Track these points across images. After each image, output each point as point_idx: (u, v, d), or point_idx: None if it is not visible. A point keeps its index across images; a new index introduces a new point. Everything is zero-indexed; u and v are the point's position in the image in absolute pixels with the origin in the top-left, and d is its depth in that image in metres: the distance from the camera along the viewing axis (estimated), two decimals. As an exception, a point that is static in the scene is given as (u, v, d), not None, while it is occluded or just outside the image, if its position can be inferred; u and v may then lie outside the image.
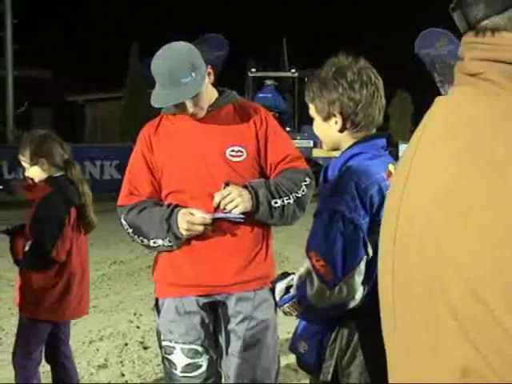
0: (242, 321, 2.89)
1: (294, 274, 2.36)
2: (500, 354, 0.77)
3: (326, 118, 2.27)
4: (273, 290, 2.48)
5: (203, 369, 2.88)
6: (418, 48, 21.23)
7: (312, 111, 2.32)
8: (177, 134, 2.90)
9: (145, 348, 5.37)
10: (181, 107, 2.79)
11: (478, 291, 0.78)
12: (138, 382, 4.78)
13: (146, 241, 2.86)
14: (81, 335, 5.63)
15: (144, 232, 2.85)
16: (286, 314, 2.39)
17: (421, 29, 21.08)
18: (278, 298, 2.41)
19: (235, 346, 2.91)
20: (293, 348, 2.40)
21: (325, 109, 2.25)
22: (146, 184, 2.91)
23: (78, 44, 32.53)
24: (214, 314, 2.92)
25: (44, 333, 3.76)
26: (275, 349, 2.98)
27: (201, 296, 2.87)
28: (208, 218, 2.74)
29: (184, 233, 2.75)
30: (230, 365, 2.92)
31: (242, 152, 2.86)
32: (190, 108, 2.78)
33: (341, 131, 2.26)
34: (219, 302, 2.90)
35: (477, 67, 0.88)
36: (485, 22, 0.87)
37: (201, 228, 2.74)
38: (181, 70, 2.69)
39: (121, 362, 5.15)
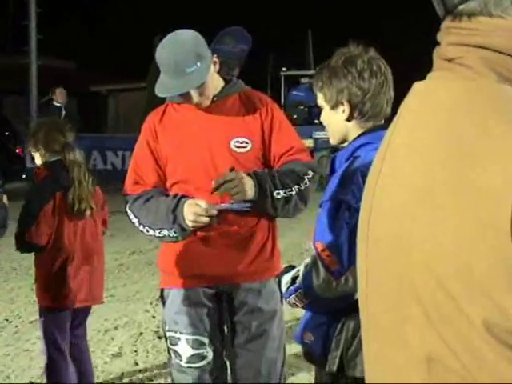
0: (248, 312, 2.88)
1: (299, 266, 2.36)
2: (464, 343, 0.77)
3: (334, 107, 2.27)
4: (279, 283, 2.47)
5: (208, 359, 2.88)
6: None
7: (320, 100, 2.31)
8: (182, 123, 2.89)
9: (159, 337, 5.37)
10: (186, 97, 2.77)
11: (445, 285, 0.78)
12: (151, 371, 4.80)
13: (151, 231, 2.84)
14: (96, 324, 5.67)
15: (150, 222, 2.84)
16: (291, 305, 2.38)
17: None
18: (284, 290, 2.39)
19: (241, 337, 2.91)
20: (298, 339, 2.38)
21: (333, 97, 2.24)
22: (152, 173, 2.90)
23: (101, 35, 32.71)
24: (220, 304, 2.91)
25: (61, 321, 3.75)
26: (281, 339, 2.97)
27: (206, 287, 2.87)
28: (214, 209, 2.73)
29: (190, 224, 2.73)
30: (236, 356, 2.92)
31: (247, 143, 2.84)
32: (196, 98, 2.76)
33: (348, 120, 2.25)
34: (225, 293, 2.89)
35: (453, 52, 0.87)
36: (461, 7, 0.85)
37: (207, 219, 2.72)
38: (186, 59, 2.66)
39: (135, 351, 5.18)
